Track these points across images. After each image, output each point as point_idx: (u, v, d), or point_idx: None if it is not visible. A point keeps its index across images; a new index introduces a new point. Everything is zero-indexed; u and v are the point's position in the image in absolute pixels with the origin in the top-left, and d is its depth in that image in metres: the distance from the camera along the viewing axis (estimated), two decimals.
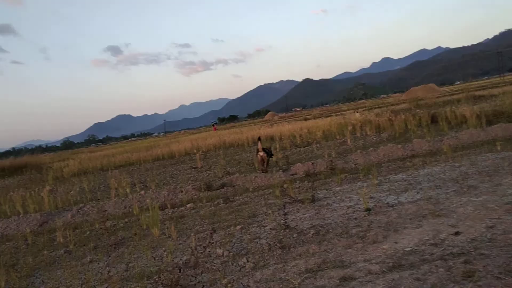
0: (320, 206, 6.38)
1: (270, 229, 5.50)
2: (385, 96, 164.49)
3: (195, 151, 17.71)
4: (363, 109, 40.56)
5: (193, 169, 14.35)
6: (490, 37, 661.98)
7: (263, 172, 10.05)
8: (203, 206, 7.76)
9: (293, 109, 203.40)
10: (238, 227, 5.83)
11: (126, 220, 7.66)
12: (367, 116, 21.52)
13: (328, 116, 35.62)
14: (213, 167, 13.76)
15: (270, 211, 6.53)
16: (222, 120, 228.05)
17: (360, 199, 6.32)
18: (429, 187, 6.48)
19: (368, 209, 5.68)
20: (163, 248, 5.47)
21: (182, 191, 8.94)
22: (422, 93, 47.66)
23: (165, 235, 6.12)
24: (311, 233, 5.01)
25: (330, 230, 5.01)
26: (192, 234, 5.85)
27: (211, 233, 5.62)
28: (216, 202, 7.90)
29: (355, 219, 5.37)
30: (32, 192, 11.72)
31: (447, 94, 42.81)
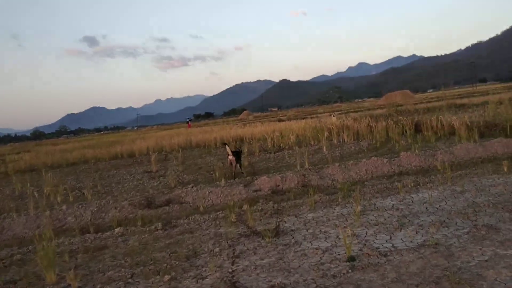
0: (285, 245, 4.67)
1: (210, 286, 3.76)
2: (359, 100, 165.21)
3: (150, 152, 15.73)
4: (339, 112, 39.24)
5: (146, 174, 12.45)
6: (463, 48, 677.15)
7: (234, 179, 9.35)
8: (135, 232, 5.93)
9: (269, 109, 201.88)
10: (167, 277, 4.06)
11: (30, 248, 5.74)
12: (344, 121, 20.00)
13: (303, 118, 34.13)
14: (169, 172, 11.90)
15: (217, 249, 4.79)
16: (197, 117, 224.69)
17: (340, 236, 4.67)
18: (431, 223, 4.87)
19: (351, 258, 4.01)
20: None
21: (115, 208, 7.06)
22: (400, 99, 46.86)
23: (65, 282, 4.29)
24: None
25: None
26: (98, 286, 4.05)
27: None
28: (153, 227, 6.07)
29: (334, 276, 3.68)
30: None
31: (423, 101, 42.04)
